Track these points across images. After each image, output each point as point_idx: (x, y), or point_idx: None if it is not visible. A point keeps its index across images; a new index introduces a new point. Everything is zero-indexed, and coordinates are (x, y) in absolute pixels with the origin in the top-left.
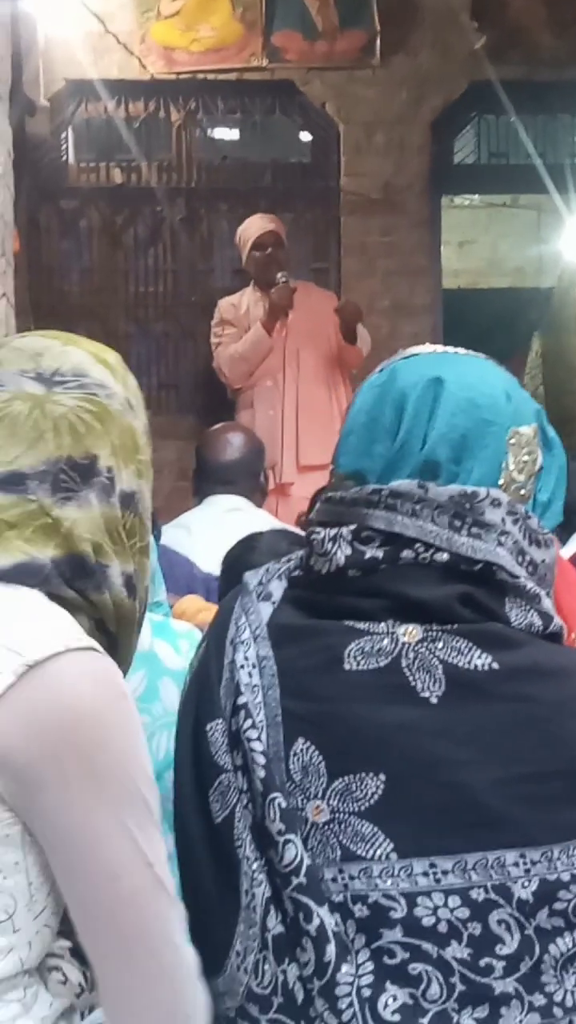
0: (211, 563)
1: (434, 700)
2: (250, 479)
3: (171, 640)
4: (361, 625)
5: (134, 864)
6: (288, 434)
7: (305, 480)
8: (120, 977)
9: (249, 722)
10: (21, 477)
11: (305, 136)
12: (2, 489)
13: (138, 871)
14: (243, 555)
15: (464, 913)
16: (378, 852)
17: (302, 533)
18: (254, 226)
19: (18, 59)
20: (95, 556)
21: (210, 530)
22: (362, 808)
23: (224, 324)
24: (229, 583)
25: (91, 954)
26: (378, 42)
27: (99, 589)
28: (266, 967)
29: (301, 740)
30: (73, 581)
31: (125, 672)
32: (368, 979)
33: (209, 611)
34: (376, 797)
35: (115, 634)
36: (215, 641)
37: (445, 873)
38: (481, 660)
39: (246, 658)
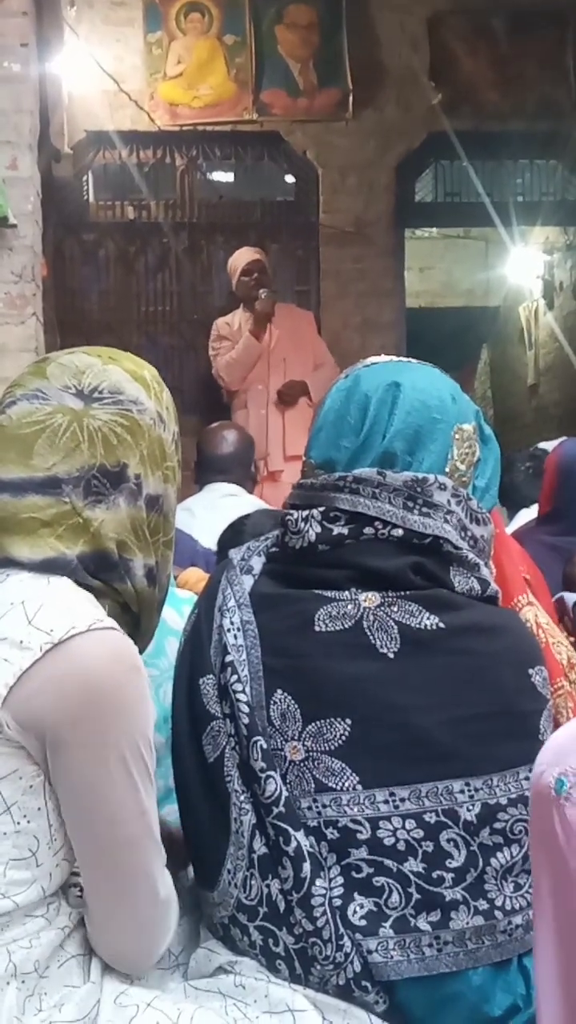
0: (210, 540)
1: (391, 655)
2: (243, 469)
3: (176, 606)
4: (328, 593)
5: (130, 813)
6: (276, 429)
7: (292, 468)
8: (105, 902)
9: (235, 677)
10: (57, 481)
11: (289, 179)
12: (40, 492)
13: (133, 819)
14: (235, 535)
15: (419, 833)
16: (346, 784)
17: None
18: (242, 256)
19: (45, 113)
20: (119, 551)
21: (209, 512)
22: (332, 747)
23: (220, 339)
24: (222, 557)
25: (85, 882)
26: (351, 99)
27: (122, 580)
28: (253, 882)
29: (279, 691)
30: (98, 573)
31: (147, 645)
32: (339, 891)
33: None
34: (344, 738)
35: (138, 615)
36: (205, 608)
37: (402, 800)
38: (430, 620)
39: (232, 622)
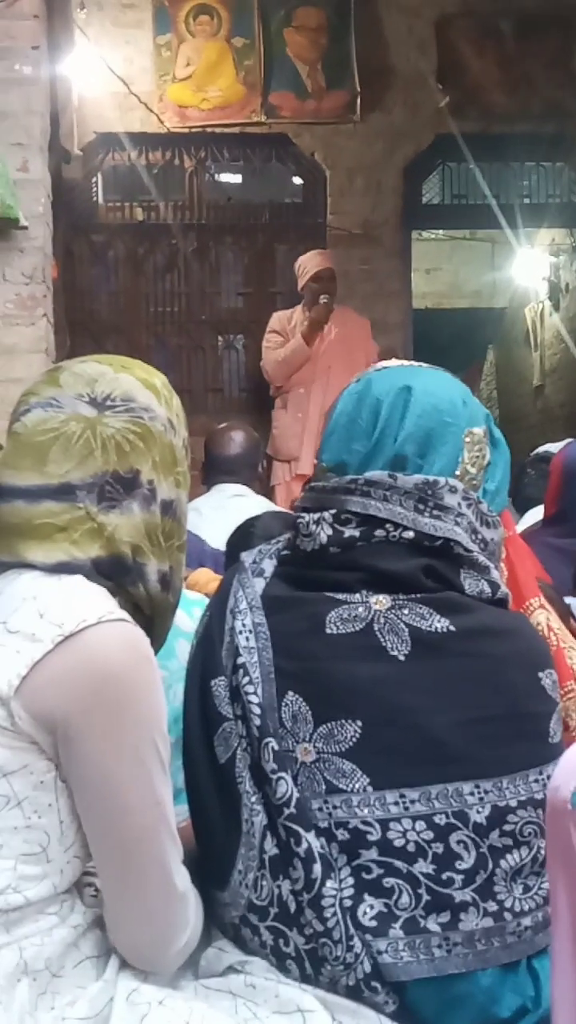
0: (218, 541)
1: (402, 658)
2: (250, 470)
3: (186, 608)
4: (340, 596)
5: (144, 803)
6: (311, 434)
7: None
8: (121, 894)
9: (247, 678)
10: (71, 488)
11: (297, 180)
12: (55, 498)
13: (147, 809)
14: (244, 537)
15: (429, 835)
16: (356, 785)
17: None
18: (313, 262)
19: (55, 115)
20: (133, 556)
21: (217, 513)
22: (343, 749)
23: (274, 333)
24: (232, 560)
25: (100, 875)
26: (358, 101)
27: (135, 584)
28: (263, 883)
29: (291, 693)
30: (112, 577)
31: (159, 648)
32: (349, 892)
33: (218, 582)
34: (354, 739)
35: (151, 617)
36: (217, 611)
37: (413, 802)
38: (440, 623)
39: (243, 625)
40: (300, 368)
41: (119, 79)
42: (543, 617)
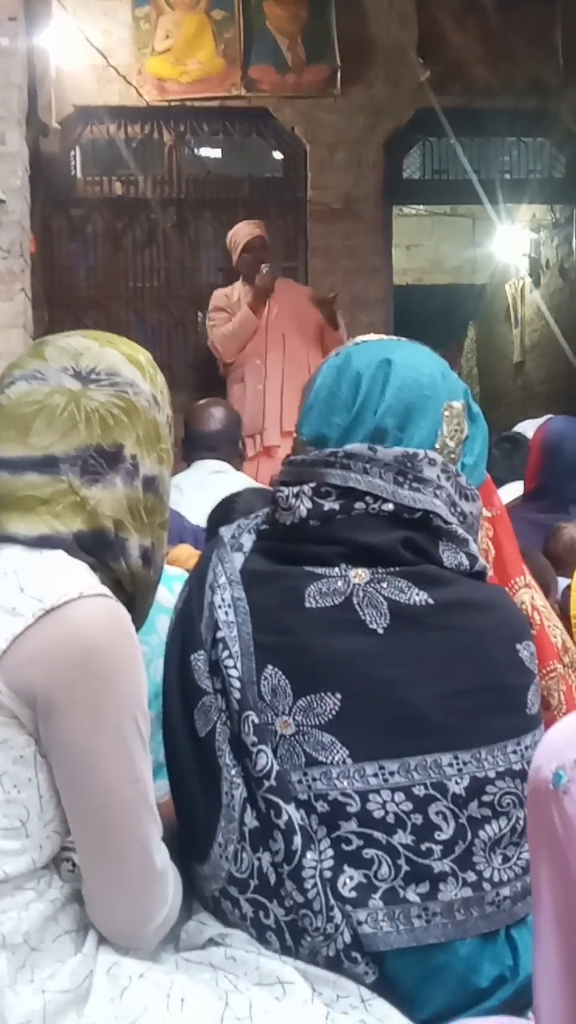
0: (199, 517)
1: (381, 631)
2: (230, 446)
3: (166, 583)
4: (318, 570)
5: (124, 779)
6: (273, 404)
7: (287, 443)
8: (99, 871)
9: (226, 652)
10: (55, 460)
11: (277, 155)
12: (37, 470)
13: (126, 785)
14: (225, 513)
15: (408, 806)
16: (336, 758)
17: None
18: (243, 232)
19: (33, 88)
20: (116, 531)
21: (197, 489)
22: (322, 722)
23: (217, 311)
24: (212, 536)
25: (79, 850)
26: (339, 75)
27: (117, 559)
28: (244, 855)
29: (270, 667)
30: (93, 551)
31: (141, 625)
32: (329, 863)
33: (198, 558)
34: (334, 712)
35: (132, 595)
36: (196, 585)
37: (392, 774)
38: (419, 596)
39: (223, 599)
40: (250, 339)
41: (97, 51)
42: (528, 596)
